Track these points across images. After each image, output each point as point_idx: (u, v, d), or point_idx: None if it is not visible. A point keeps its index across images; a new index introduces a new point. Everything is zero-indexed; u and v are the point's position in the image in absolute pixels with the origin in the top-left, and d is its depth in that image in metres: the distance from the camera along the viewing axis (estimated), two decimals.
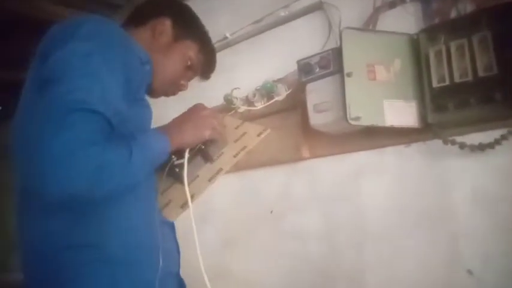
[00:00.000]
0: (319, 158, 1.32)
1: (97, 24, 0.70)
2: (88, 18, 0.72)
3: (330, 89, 1.09)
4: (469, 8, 1.06)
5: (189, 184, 0.90)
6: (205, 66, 0.92)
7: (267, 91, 1.40)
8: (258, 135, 0.95)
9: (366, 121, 1.01)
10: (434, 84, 1.02)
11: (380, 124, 1.02)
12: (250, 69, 1.57)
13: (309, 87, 1.14)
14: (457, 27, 1.01)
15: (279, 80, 1.43)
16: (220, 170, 0.96)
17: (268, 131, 0.95)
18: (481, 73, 0.95)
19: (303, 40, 1.43)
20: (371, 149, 1.21)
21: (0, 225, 3.22)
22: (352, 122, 1.00)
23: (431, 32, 1.06)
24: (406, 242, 1.10)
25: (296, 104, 1.32)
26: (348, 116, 1.00)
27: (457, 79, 0.98)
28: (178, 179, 0.92)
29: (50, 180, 0.56)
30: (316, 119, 1.13)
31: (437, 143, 1.05)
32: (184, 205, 0.91)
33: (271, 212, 1.39)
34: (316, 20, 1.41)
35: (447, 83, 1.00)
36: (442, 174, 1.06)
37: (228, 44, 1.68)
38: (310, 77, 1.13)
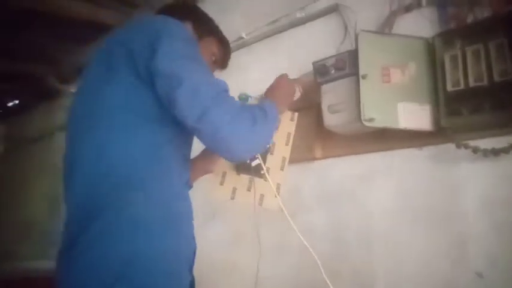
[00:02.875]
0: (331, 159, 1.34)
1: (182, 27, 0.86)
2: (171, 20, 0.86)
3: (345, 90, 1.11)
4: (485, 13, 1.06)
5: (267, 179, 1.07)
6: (224, 57, 1.05)
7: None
8: (291, 119, 1.11)
9: (380, 123, 1.02)
10: (449, 88, 1.03)
11: (394, 126, 1.03)
12: (265, 69, 1.59)
13: (324, 88, 1.16)
14: (473, 32, 1.02)
15: (294, 80, 1.44)
16: (284, 158, 1.14)
17: (297, 113, 1.11)
18: (496, 78, 0.95)
19: (318, 42, 1.44)
20: (383, 151, 1.22)
21: (9, 216, 3.30)
22: (366, 124, 1.01)
23: (446, 37, 1.07)
24: (414, 243, 1.11)
25: (310, 105, 1.34)
26: (362, 117, 1.01)
27: (472, 83, 0.99)
28: (258, 175, 1.11)
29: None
30: (330, 120, 1.14)
31: (449, 147, 1.06)
32: (276, 195, 1.07)
33: (282, 209, 1.41)
34: (332, 22, 1.43)
35: (462, 87, 1.01)
36: (453, 178, 1.07)
37: (243, 44, 1.70)
38: (326, 78, 1.15)
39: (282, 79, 1.05)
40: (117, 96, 0.79)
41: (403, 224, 1.15)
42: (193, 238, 0.88)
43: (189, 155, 0.95)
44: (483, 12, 1.07)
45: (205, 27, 1.00)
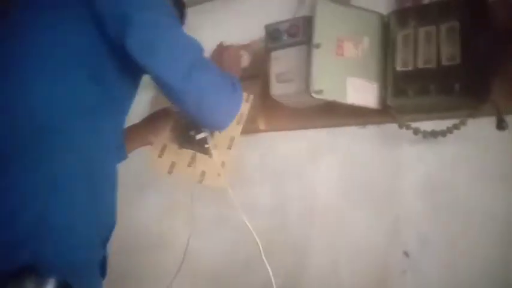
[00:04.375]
0: (275, 132, 1.29)
1: None
2: None
3: (296, 59, 1.05)
4: None
5: (212, 155, 1.05)
6: (182, 15, 1.00)
7: None
8: (246, 100, 1.08)
9: (328, 95, 0.99)
10: (398, 67, 1.02)
11: (341, 100, 1.00)
12: (214, 32, 1.48)
13: (274, 54, 1.10)
14: (427, 13, 1.01)
15: (243, 47, 1.36)
16: (233, 137, 1.10)
17: (252, 96, 1.11)
18: (444, 62, 0.95)
19: (272, 8, 1.36)
20: (328, 127, 1.20)
21: None
22: (315, 95, 0.97)
23: (402, 15, 1.05)
24: (351, 219, 1.11)
25: (258, 73, 1.27)
26: (311, 88, 0.97)
27: (420, 65, 0.99)
28: (202, 150, 1.07)
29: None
30: (278, 89, 1.09)
31: (391, 127, 1.06)
32: (220, 173, 1.06)
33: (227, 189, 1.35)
34: None
35: (410, 68, 1.00)
36: (394, 158, 1.08)
37: (191, 3, 1.56)
38: (277, 44, 1.08)
39: (224, 49, 1.06)
40: (59, 36, 0.71)
41: (344, 200, 1.14)
42: (114, 212, 0.78)
43: (124, 121, 0.86)
44: None
45: None
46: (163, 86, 0.75)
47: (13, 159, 0.64)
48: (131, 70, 0.77)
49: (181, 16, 1.00)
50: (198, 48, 0.79)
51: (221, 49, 1.06)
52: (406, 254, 1.03)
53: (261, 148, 1.32)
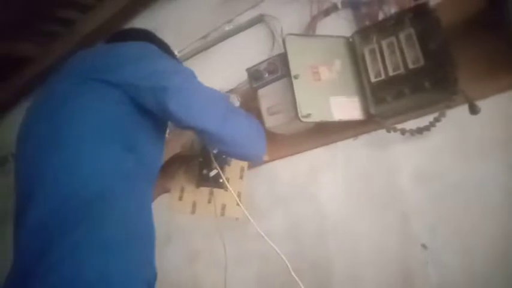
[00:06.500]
0: (277, 161, 1.38)
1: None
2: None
3: (280, 91, 1.16)
4: (393, 10, 1.19)
5: (227, 188, 1.12)
6: None
7: None
8: None
9: (316, 117, 1.08)
10: (372, 79, 1.12)
11: (329, 119, 1.10)
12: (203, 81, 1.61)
13: (261, 92, 1.20)
14: (385, 27, 1.13)
15: (231, 91, 1.48)
16: (242, 167, 1.20)
17: None
18: (410, 65, 1.06)
19: (249, 51, 1.50)
20: (323, 146, 1.29)
21: None
22: (304, 120, 1.07)
23: (363, 33, 1.16)
24: (363, 227, 1.17)
25: (250, 111, 1.37)
26: (299, 114, 1.06)
27: (391, 73, 1.09)
28: (217, 185, 1.16)
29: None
30: (271, 121, 1.18)
31: (380, 132, 1.15)
32: (238, 203, 1.13)
33: (237, 218, 1.41)
34: (260, 32, 1.50)
35: (383, 77, 1.11)
36: (388, 160, 1.16)
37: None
38: (261, 82, 1.19)
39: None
40: (88, 111, 0.79)
41: (351, 211, 1.21)
42: (153, 262, 0.86)
43: (157, 173, 0.96)
44: (391, 9, 1.19)
45: (167, 51, 1.10)
46: (206, 135, 0.88)
47: (68, 229, 0.70)
48: (159, 133, 0.89)
49: None
50: (222, 95, 0.94)
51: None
52: (424, 246, 1.08)
53: (267, 178, 1.40)
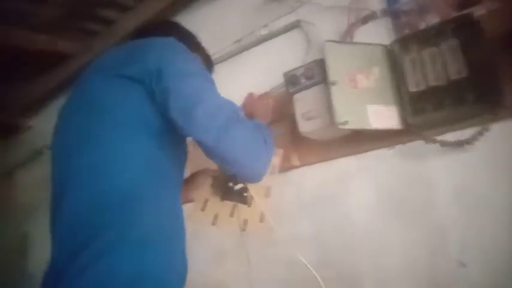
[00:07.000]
0: (307, 166, 1.37)
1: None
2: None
3: (317, 97, 1.16)
4: (434, 20, 1.17)
5: (251, 204, 1.12)
6: (210, 71, 1.11)
7: None
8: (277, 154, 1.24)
9: (353, 125, 1.07)
10: (411, 89, 1.11)
11: (366, 127, 1.09)
12: (234, 87, 1.62)
13: (297, 97, 1.21)
14: (426, 37, 1.11)
15: (265, 95, 1.48)
16: (269, 186, 1.19)
17: (282, 150, 1.28)
18: (453, 76, 1.04)
19: (283, 56, 1.50)
20: (356, 154, 1.28)
21: None
22: (341, 126, 1.06)
23: (403, 42, 1.15)
24: (394, 238, 1.15)
25: (283, 116, 1.38)
26: (336, 120, 1.06)
27: (432, 83, 1.07)
28: (241, 200, 1.15)
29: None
30: (306, 127, 1.18)
31: (417, 143, 1.13)
32: (261, 220, 1.15)
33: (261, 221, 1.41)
34: (294, 37, 1.50)
35: (423, 87, 1.09)
36: (424, 172, 1.13)
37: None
38: (297, 87, 1.19)
39: (254, 98, 1.16)
40: (119, 107, 0.80)
41: (381, 222, 1.19)
42: (185, 255, 0.87)
43: (183, 174, 0.96)
44: (432, 19, 1.17)
45: (191, 42, 1.05)
46: (202, 147, 0.81)
47: (104, 226, 0.72)
48: (180, 139, 0.89)
49: (211, 68, 1.15)
50: (229, 108, 0.82)
51: (252, 99, 1.18)
52: (457, 262, 1.05)
53: (296, 183, 1.40)
